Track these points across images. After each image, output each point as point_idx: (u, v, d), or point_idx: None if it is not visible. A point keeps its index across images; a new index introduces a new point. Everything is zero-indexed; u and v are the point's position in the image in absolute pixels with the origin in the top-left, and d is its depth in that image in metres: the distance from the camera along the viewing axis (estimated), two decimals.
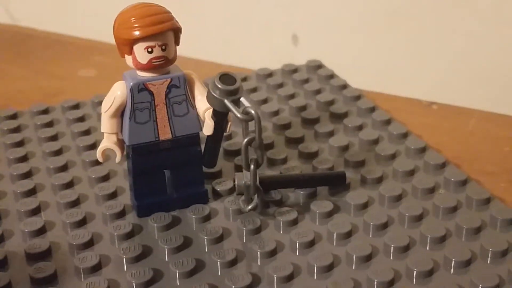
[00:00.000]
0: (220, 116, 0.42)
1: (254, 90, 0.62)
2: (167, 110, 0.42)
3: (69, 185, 0.48)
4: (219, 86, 0.40)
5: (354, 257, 0.40)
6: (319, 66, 0.66)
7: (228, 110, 0.41)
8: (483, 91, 0.61)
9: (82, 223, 0.44)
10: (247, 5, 0.71)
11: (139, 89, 0.41)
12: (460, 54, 0.62)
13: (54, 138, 0.54)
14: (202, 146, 0.45)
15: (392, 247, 0.41)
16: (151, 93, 0.41)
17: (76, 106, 0.59)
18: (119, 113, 0.42)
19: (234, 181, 0.46)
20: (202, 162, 0.45)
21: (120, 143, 0.43)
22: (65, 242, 0.42)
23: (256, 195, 0.43)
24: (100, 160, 0.43)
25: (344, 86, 0.62)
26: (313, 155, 0.51)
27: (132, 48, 0.40)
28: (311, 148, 0.52)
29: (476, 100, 0.60)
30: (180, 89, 0.42)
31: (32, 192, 0.47)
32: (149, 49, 0.40)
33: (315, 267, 0.40)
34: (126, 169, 0.48)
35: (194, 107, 0.43)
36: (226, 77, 0.41)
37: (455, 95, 0.61)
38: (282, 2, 0.69)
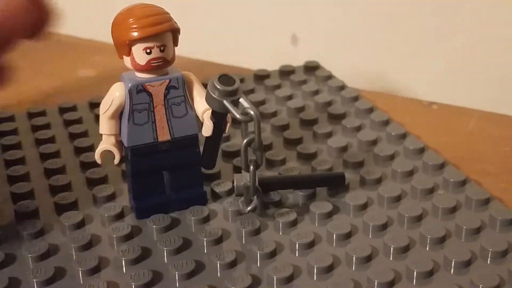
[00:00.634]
0: (219, 117, 0.42)
1: (251, 91, 0.62)
2: (165, 111, 0.42)
3: (67, 187, 0.48)
4: (218, 87, 0.40)
5: (354, 258, 0.40)
6: (317, 67, 0.66)
7: (227, 111, 0.41)
8: (483, 91, 0.61)
9: (80, 225, 0.44)
10: (247, 5, 0.70)
11: (138, 90, 0.41)
12: (460, 54, 0.62)
13: (51, 140, 0.54)
14: (201, 148, 0.45)
15: (392, 248, 0.41)
16: (150, 94, 0.41)
17: (73, 108, 0.59)
18: (118, 115, 0.42)
19: (233, 183, 0.46)
20: (201, 164, 0.45)
21: (119, 144, 0.43)
22: (64, 244, 0.42)
23: (255, 196, 0.43)
24: (99, 161, 0.43)
25: (342, 87, 0.62)
26: (312, 156, 0.51)
27: (130, 49, 0.40)
28: (310, 149, 0.51)
29: (476, 100, 0.60)
30: (179, 90, 0.42)
31: (29, 194, 0.47)
32: (148, 50, 0.39)
33: (315, 268, 0.39)
34: (123, 170, 0.49)
35: (192, 108, 0.43)
36: (225, 78, 0.41)
37: (455, 95, 0.61)
38: (282, 2, 0.69)
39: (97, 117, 0.57)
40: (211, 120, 0.42)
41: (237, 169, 0.49)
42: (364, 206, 0.45)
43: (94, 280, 0.39)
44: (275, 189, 0.46)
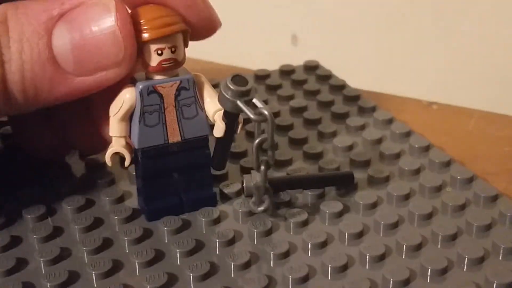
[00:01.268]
0: (231, 118, 0.42)
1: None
2: (176, 112, 0.42)
3: (75, 190, 0.48)
4: (232, 87, 0.40)
5: (368, 256, 0.40)
6: (316, 66, 0.66)
7: (240, 111, 0.41)
8: (483, 91, 0.62)
9: (91, 228, 0.44)
10: (247, 5, 0.70)
11: (149, 92, 0.41)
12: (460, 54, 0.62)
13: None
14: (211, 149, 0.45)
15: (404, 246, 0.41)
16: (161, 96, 0.41)
17: None
18: (128, 116, 0.42)
19: (242, 183, 0.46)
20: (211, 165, 0.45)
21: (128, 146, 0.43)
22: (76, 248, 0.42)
23: (267, 196, 0.43)
24: (109, 164, 0.43)
25: (343, 86, 0.62)
26: (318, 155, 0.51)
27: (141, 50, 0.39)
28: (316, 148, 0.52)
29: (476, 100, 0.60)
30: (190, 91, 0.42)
31: (39, 200, 0.47)
32: (159, 51, 0.39)
33: (330, 268, 0.40)
34: (130, 172, 0.49)
35: (203, 109, 0.43)
36: (238, 79, 0.41)
37: (455, 95, 0.62)
38: (282, 2, 0.69)
39: None
40: (223, 120, 0.42)
41: (245, 170, 0.49)
42: (374, 205, 0.45)
43: (108, 283, 0.39)
44: (285, 189, 0.46)
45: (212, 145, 0.45)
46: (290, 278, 0.39)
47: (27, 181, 0.48)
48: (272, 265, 0.41)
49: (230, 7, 0.71)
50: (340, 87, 0.62)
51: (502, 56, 0.61)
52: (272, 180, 0.45)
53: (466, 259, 0.40)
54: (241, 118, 0.43)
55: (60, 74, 0.39)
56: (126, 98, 0.41)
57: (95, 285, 0.40)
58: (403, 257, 0.41)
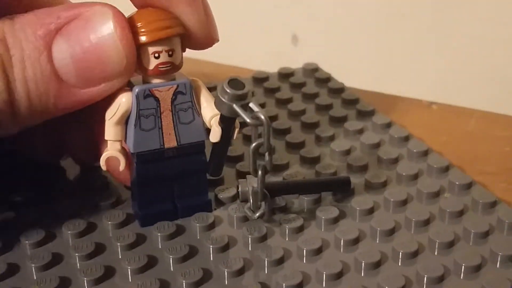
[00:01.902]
0: (228, 122, 0.41)
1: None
2: (172, 117, 0.41)
3: (68, 195, 0.47)
4: (228, 90, 0.40)
5: (363, 263, 0.40)
6: (316, 69, 0.65)
7: (237, 115, 0.40)
8: (483, 91, 0.61)
9: (84, 233, 0.43)
10: (247, 5, 0.70)
11: (145, 95, 0.40)
12: (460, 54, 0.62)
13: None
14: (207, 154, 0.44)
15: (401, 253, 0.40)
16: (157, 100, 0.41)
17: None
18: (124, 120, 0.41)
19: (237, 188, 0.45)
20: (206, 171, 0.44)
21: (124, 150, 0.42)
22: (68, 253, 0.42)
23: (263, 202, 0.42)
24: (104, 168, 0.43)
25: (342, 89, 0.61)
26: (316, 160, 0.51)
27: (138, 53, 0.39)
28: (313, 153, 0.51)
29: (476, 100, 0.60)
30: (186, 96, 0.41)
31: (30, 202, 0.46)
32: (156, 55, 0.39)
33: (324, 275, 0.39)
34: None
35: (199, 114, 0.42)
36: (235, 82, 0.40)
37: (455, 95, 0.61)
38: (282, 3, 0.68)
39: None
40: (219, 125, 0.41)
41: (241, 174, 0.49)
42: (371, 211, 0.45)
43: None
44: (280, 194, 0.46)
45: (208, 151, 0.44)
46: (284, 286, 0.38)
47: (20, 186, 0.48)
48: (266, 272, 0.40)
49: (230, 7, 0.71)
50: (339, 90, 0.61)
51: (502, 56, 0.61)
52: (267, 185, 0.45)
53: (463, 267, 0.39)
54: (237, 123, 0.42)
55: (64, 88, 0.39)
56: (122, 102, 0.40)
57: None
58: (399, 264, 0.40)
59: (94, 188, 0.48)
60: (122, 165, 0.43)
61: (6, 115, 0.38)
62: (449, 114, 0.60)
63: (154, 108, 0.41)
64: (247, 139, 0.54)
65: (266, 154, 0.41)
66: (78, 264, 0.41)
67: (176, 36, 0.39)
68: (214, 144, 0.43)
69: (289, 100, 0.60)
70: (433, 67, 0.64)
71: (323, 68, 0.65)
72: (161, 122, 0.41)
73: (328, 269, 0.39)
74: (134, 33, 0.39)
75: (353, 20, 0.67)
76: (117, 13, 0.38)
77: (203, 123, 0.42)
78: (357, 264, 0.40)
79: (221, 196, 0.46)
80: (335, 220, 0.44)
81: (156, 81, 0.41)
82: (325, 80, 0.63)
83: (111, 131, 0.42)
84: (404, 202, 0.45)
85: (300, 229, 0.43)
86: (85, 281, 0.39)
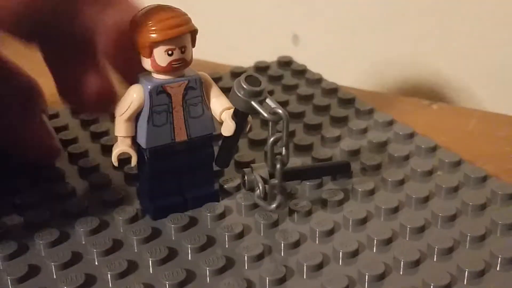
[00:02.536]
0: (241, 117, 0.43)
1: None
2: (183, 112, 0.42)
3: (72, 193, 0.47)
4: (245, 87, 0.41)
5: (375, 240, 0.42)
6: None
7: (253, 111, 0.41)
8: (483, 91, 0.62)
9: (97, 230, 0.44)
10: (247, 5, 0.71)
11: (158, 92, 0.41)
12: (460, 54, 0.62)
13: None
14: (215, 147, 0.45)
15: (408, 228, 0.43)
16: (169, 96, 0.41)
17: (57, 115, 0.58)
18: (134, 117, 0.42)
19: (243, 177, 0.47)
20: (215, 162, 0.46)
21: (134, 146, 0.43)
22: (86, 250, 0.42)
23: (279, 193, 0.43)
24: (116, 164, 0.43)
25: (336, 89, 0.62)
26: (327, 161, 0.51)
27: (152, 51, 0.40)
28: (325, 154, 0.51)
29: (476, 100, 0.61)
30: (197, 91, 0.42)
31: (34, 204, 0.46)
32: (169, 52, 0.40)
33: (341, 253, 0.41)
34: (127, 173, 0.49)
35: (208, 108, 0.43)
36: (251, 78, 0.42)
37: (455, 95, 0.62)
38: (282, 2, 0.69)
39: (84, 122, 0.57)
40: (233, 119, 0.42)
41: (239, 165, 0.50)
42: (396, 210, 0.45)
43: (125, 284, 0.39)
44: (285, 181, 0.47)
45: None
46: (305, 266, 0.40)
47: (27, 186, 0.48)
48: (283, 255, 0.42)
49: (230, 7, 0.72)
50: (333, 90, 0.62)
51: (502, 56, 0.61)
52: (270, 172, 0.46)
53: (468, 236, 0.42)
54: (250, 118, 0.44)
55: None
56: (134, 98, 0.41)
57: (110, 286, 0.40)
58: (407, 239, 0.43)
59: (97, 186, 0.48)
60: (134, 161, 0.43)
61: None
62: (449, 114, 0.60)
63: (166, 104, 0.42)
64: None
65: (283, 148, 0.42)
66: (96, 260, 0.41)
67: (188, 33, 0.40)
68: (225, 137, 0.44)
69: (285, 103, 0.60)
70: (433, 67, 0.64)
71: (323, 68, 0.65)
72: (172, 117, 0.42)
73: (345, 248, 0.41)
74: (148, 31, 0.39)
75: (353, 20, 0.67)
76: None
77: (212, 116, 0.44)
78: (370, 242, 0.42)
79: (227, 186, 0.47)
80: (340, 203, 0.46)
81: (166, 77, 0.41)
82: (317, 81, 0.63)
83: (122, 127, 0.42)
84: (426, 199, 0.46)
85: (309, 212, 0.45)
86: (109, 275, 0.40)
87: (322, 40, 0.69)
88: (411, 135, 0.54)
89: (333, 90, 0.62)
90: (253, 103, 0.41)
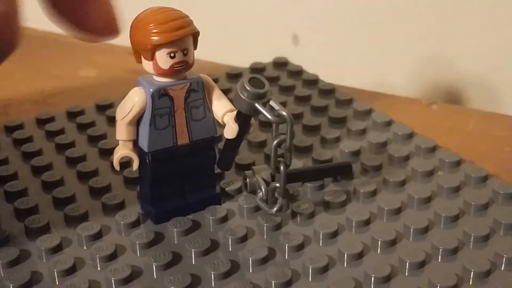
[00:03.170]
0: (244, 119, 0.42)
1: None
2: (185, 114, 0.42)
3: (72, 198, 0.47)
4: (249, 89, 0.41)
5: (379, 242, 0.42)
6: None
7: (256, 113, 0.41)
8: (483, 91, 0.62)
9: (98, 235, 0.43)
10: (247, 5, 0.70)
11: (160, 95, 0.41)
12: (460, 55, 0.62)
13: (39, 153, 0.53)
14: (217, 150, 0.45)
15: (412, 229, 0.43)
16: (171, 99, 0.41)
17: (52, 118, 0.58)
18: (136, 120, 0.42)
19: (245, 180, 0.46)
20: (217, 165, 0.45)
21: (135, 150, 0.43)
22: (88, 256, 0.42)
23: (280, 197, 0.43)
24: (117, 168, 0.43)
25: (333, 90, 0.62)
26: (329, 162, 0.50)
27: (154, 54, 0.39)
28: (325, 155, 0.51)
29: (476, 100, 0.60)
30: (199, 94, 0.42)
31: (34, 209, 0.46)
32: (172, 54, 0.39)
33: (346, 255, 0.41)
34: (126, 177, 0.48)
35: (210, 110, 0.43)
36: (255, 80, 0.41)
37: (455, 95, 0.62)
38: (282, 2, 0.69)
39: (80, 126, 0.56)
40: (236, 122, 0.42)
41: (240, 167, 0.50)
42: (398, 211, 0.45)
43: None
44: (287, 183, 0.47)
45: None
46: (310, 268, 0.40)
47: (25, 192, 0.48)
48: (287, 257, 0.41)
49: (230, 7, 0.71)
50: (330, 91, 0.61)
51: (502, 56, 0.61)
52: (273, 174, 0.46)
53: (472, 237, 0.42)
54: (253, 120, 0.43)
55: None
56: (136, 101, 0.41)
57: None
58: (411, 240, 0.43)
59: (94, 190, 0.48)
60: (135, 165, 0.43)
61: None
62: (449, 114, 0.60)
63: (168, 107, 0.41)
64: None
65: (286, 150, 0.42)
66: (98, 266, 0.41)
67: (190, 36, 0.40)
68: (228, 139, 0.44)
69: (283, 104, 0.59)
70: (433, 67, 0.64)
71: (323, 68, 0.65)
72: (174, 120, 0.42)
73: (350, 250, 0.41)
74: (150, 33, 0.39)
75: (353, 20, 0.67)
76: None
77: (214, 119, 0.43)
78: (374, 243, 0.42)
79: (228, 189, 0.47)
80: (343, 204, 0.46)
81: (168, 80, 0.41)
82: (313, 82, 0.63)
83: (123, 131, 0.42)
84: (428, 199, 0.46)
85: (312, 215, 0.45)
86: (113, 281, 0.39)
87: (322, 40, 0.69)
88: (410, 135, 0.54)
89: (330, 91, 0.62)
90: (257, 105, 0.41)
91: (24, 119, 0.57)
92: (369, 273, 0.39)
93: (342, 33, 0.68)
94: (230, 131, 0.42)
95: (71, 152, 0.52)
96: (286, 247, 0.42)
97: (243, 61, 0.67)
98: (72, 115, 0.58)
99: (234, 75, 0.65)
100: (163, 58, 0.39)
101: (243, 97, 0.41)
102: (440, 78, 0.64)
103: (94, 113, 0.59)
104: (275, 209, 0.43)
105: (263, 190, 0.44)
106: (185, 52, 0.40)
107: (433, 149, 0.52)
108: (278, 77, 0.65)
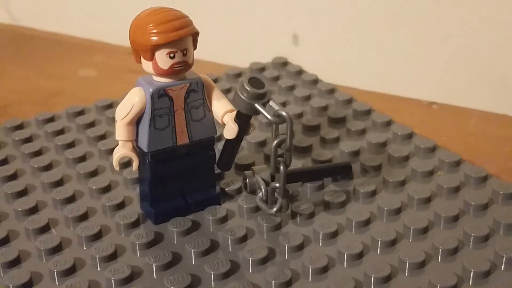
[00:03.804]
0: (244, 120, 0.42)
1: None
2: (185, 115, 0.42)
3: (72, 198, 0.47)
4: (248, 89, 0.41)
5: (379, 242, 0.42)
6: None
7: (256, 113, 0.41)
8: (483, 91, 0.62)
9: (98, 236, 0.43)
10: (247, 5, 0.70)
11: (160, 95, 0.41)
12: (460, 54, 0.62)
13: (39, 153, 0.53)
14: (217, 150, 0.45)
15: (411, 229, 0.43)
16: (171, 99, 0.41)
17: (54, 117, 0.58)
18: (136, 120, 0.42)
19: (245, 180, 0.46)
20: (216, 165, 0.45)
21: (135, 149, 0.43)
22: (88, 256, 0.42)
23: (281, 197, 0.43)
24: (117, 168, 0.43)
25: (332, 90, 0.62)
26: (328, 162, 0.50)
27: (153, 54, 0.39)
28: (324, 155, 0.51)
29: (476, 100, 0.60)
30: (198, 94, 0.42)
31: (34, 209, 0.46)
32: (171, 55, 0.39)
33: (346, 255, 0.41)
34: (125, 178, 0.48)
35: (210, 111, 0.43)
36: (254, 81, 0.41)
37: (455, 95, 0.61)
38: (282, 2, 0.69)
39: (80, 126, 0.56)
40: (235, 122, 0.42)
41: (239, 168, 0.50)
42: (398, 211, 0.45)
43: None
44: (287, 183, 0.47)
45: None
46: (310, 269, 0.40)
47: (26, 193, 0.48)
48: (287, 258, 0.41)
49: (230, 7, 0.71)
50: (330, 91, 0.61)
51: (502, 56, 0.61)
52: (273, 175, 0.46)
53: (472, 237, 0.42)
54: (253, 120, 0.43)
55: None
56: (135, 101, 0.41)
57: None
58: (410, 240, 0.43)
59: (94, 190, 0.48)
60: (135, 165, 0.43)
61: None
62: (449, 114, 0.60)
63: (168, 107, 0.41)
64: None
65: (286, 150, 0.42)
66: (98, 267, 0.41)
67: (189, 36, 0.40)
68: (227, 140, 0.44)
69: (283, 104, 0.60)
70: (433, 67, 0.64)
71: (324, 68, 0.65)
72: (174, 120, 0.42)
73: (350, 250, 0.41)
74: (150, 34, 0.39)
75: (353, 20, 0.66)
76: None
77: (214, 119, 0.43)
78: (374, 243, 0.42)
79: (228, 189, 0.47)
80: (343, 204, 0.46)
81: (168, 80, 0.41)
82: (313, 82, 0.63)
83: (123, 131, 0.42)
84: (428, 200, 0.46)
85: (312, 215, 0.45)
86: (113, 281, 0.39)
87: (322, 40, 0.69)
88: (410, 136, 0.54)
89: (330, 91, 0.62)
90: (256, 105, 0.41)
91: (24, 119, 0.57)
92: (369, 273, 0.39)
93: (342, 33, 0.68)
94: (230, 131, 0.42)
95: (71, 152, 0.52)
96: (286, 247, 0.42)
97: (243, 61, 0.66)
98: (72, 115, 0.58)
99: (234, 75, 0.65)
100: (162, 58, 0.39)
101: (242, 97, 0.41)
102: (440, 78, 0.64)
103: (94, 113, 0.59)
104: (275, 209, 0.43)
105: (263, 190, 0.44)
106: (184, 52, 0.40)
107: (433, 149, 0.52)
108: (278, 77, 0.65)
